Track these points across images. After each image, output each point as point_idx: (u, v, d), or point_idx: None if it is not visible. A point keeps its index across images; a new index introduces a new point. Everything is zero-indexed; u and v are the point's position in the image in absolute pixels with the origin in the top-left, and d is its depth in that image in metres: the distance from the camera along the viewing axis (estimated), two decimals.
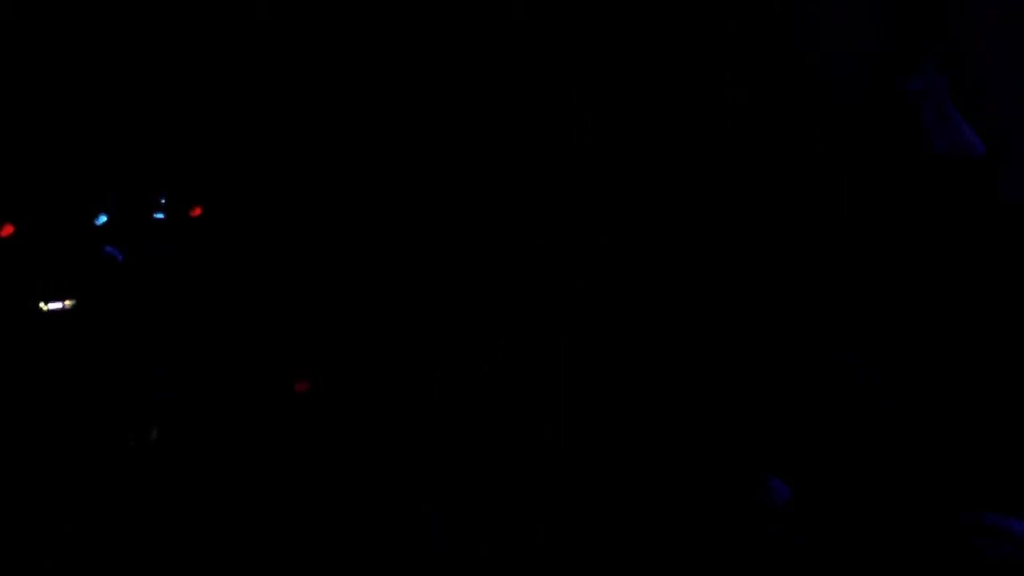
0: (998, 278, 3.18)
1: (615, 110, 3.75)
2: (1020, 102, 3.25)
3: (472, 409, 3.50)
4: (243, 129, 3.83)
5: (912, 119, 3.23)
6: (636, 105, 3.74)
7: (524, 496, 3.12)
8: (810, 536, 2.62)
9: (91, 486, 3.28)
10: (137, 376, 3.55)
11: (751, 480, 2.82)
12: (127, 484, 3.29)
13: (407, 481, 3.24)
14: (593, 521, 2.95)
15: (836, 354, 3.30)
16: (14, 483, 3.22)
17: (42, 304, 3.48)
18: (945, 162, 3.18)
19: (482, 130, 3.85)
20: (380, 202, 3.86)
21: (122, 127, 3.73)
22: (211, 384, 3.61)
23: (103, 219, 3.61)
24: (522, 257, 3.75)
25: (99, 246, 3.57)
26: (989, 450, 2.94)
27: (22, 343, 3.45)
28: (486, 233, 3.80)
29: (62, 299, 3.51)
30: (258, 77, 3.80)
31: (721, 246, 3.58)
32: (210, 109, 3.80)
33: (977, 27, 3.31)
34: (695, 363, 3.46)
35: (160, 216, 3.71)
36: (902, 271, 3.27)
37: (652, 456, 3.21)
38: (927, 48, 3.26)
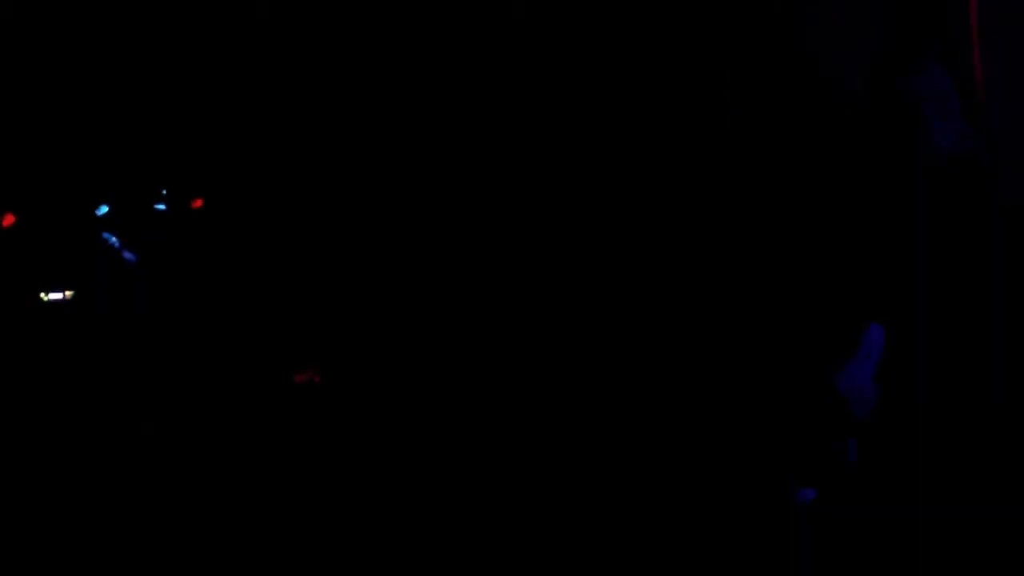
0: (998, 277, 3.19)
1: (615, 110, 3.75)
2: (1020, 102, 3.26)
3: (472, 409, 3.49)
4: (246, 125, 3.82)
5: (912, 118, 3.23)
6: (636, 105, 3.74)
7: (524, 496, 3.12)
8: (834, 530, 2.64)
9: (91, 483, 3.27)
10: (137, 374, 3.55)
11: (780, 482, 2.83)
12: (127, 482, 3.28)
13: (407, 481, 3.23)
14: (594, 521, 2.95)
15: (837, 355, 3.30)
16: (14, 479, 3.21)
17: (42, 294, 3.46)
18: (945, 161, 3.19)
19: (482, 129, 3.85)
20: (380, 200, 3.85)
21: (125, 119, 3.72)
22: (210, 383, 3.60)
23: (104, 210, 3.58)
24: (522, 257, 3.74)
25: (98, 235, 3.55)
26: (989, 449, 2.94)
27: (21, 336, 3.44)
28: (486, 233, 3.79)
29: (62, 290, 3.49)
30: (261, 73, 3.80)
31: (723, 246, 3.58)
32: (213, 103, 3.79)
33: (977, 27, 3.31)
34: (700, 366, 3.46)
35: (161, 207, 3.69)
36: (902, 270, 3.27)
37: (653, 458, 3.21)
38: (927, 48, 3.27)
